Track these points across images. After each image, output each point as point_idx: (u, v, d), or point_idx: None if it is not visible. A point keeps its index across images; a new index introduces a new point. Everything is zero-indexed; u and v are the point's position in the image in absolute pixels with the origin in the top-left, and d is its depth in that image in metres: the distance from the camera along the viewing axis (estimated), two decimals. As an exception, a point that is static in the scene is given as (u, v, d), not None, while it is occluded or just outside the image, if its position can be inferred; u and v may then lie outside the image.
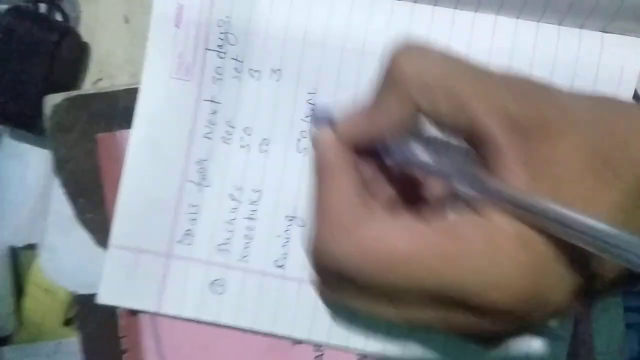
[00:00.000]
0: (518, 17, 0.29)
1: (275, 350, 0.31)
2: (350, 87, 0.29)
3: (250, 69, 0.30)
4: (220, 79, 0.30)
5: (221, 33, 0.30)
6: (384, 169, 0.21)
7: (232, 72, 0.30)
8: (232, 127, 0.30)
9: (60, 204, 0.31)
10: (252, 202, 0.30)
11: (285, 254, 0.30)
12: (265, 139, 0.30)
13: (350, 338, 0.30)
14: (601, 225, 0.15)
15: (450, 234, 0.17)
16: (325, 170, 0.20)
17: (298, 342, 0.31)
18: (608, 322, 0.29)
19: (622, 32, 0.28)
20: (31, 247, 0.37)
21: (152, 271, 0.30)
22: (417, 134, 0.20)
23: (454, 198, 0.19)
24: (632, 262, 0.15)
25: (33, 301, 0.38)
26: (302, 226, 0.30)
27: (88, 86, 0.36)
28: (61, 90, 0.33)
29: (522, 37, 0.28)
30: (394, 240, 0.17)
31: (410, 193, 0.22)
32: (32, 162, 0.37)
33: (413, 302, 0.17)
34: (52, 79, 0.33)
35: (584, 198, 0.16)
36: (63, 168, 0.32)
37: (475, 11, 0.29)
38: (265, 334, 0.30)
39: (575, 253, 0.16)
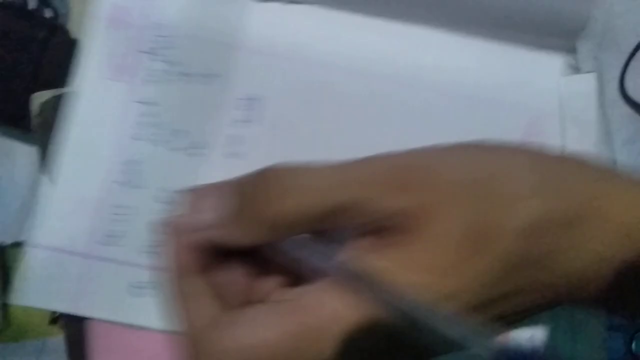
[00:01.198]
0: (447, 31, 0.29)
1: None
2: (282, 93, 0.29)
3: (181, 72, 0.30)
4: (152, 81, 0.30)
5: (154, 36, 0.30)
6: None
7: (163, 74, 0.30)
8: (162, 129, 0.30)
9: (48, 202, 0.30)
10: (179, 206, 0.30)
11: (211, 259, 0.30)
12: (195, 142, 0.30)
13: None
14: (425, 313, 0.16)
15: (296, 309, 0.17)
16: (175, 284, 0.20)
17: None
18: (588, 335, 0.29)
19: (545, 48, 0.28)
20: (19, 244, 0.37)
21: (70, 272, 0.29)
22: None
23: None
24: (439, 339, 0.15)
25: (19, 299, 0.38)
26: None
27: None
28: (50, 87, 0.33)
29: (449, 52, 0.29)
30: (249, 340, 0.17)
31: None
32: (20, 159, 0.36)
33: None
34: (41, 76, 0.33)
35: (449, 268, 0.17)
36: (50, 165, 0.31)
37: (405, 22, 0.29)
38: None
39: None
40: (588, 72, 0.29)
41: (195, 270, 0.19)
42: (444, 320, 0.16)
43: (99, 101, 0.30)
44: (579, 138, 0.29)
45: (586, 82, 0.28)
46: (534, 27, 0.27)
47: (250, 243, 0.19)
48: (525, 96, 0.28)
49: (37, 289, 0.29)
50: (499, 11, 0.27)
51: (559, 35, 0.27)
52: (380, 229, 0.17)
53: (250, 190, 0.19)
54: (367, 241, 0.18)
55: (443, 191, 0.18)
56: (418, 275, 0.17)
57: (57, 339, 0.36)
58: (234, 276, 0.20)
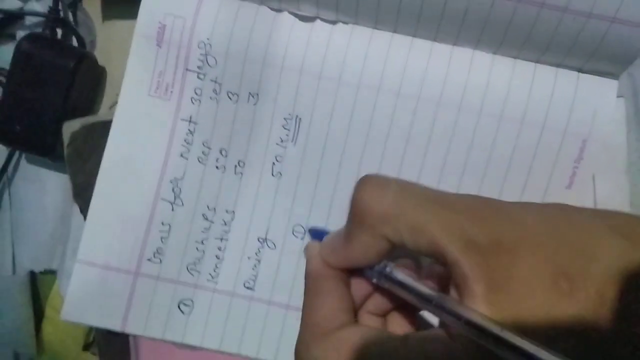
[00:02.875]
0: (495, 53, 0.29)
1: None
2: (325, 114, 0.30)
3: (229, 92, 0.30)
4: (199, 99, 0.30)
5: (201, 54, 0.30)
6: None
7: (210, 93, 0.30)
8: (208, 147, 0.30)
9: (79, 231, 0.31)
10: (225, 223, 0.30)
11: (255, 275, 0.30)
12: (240, 160, 0.30)
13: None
14: (543, 354, 0.16)
15: (422, 354, 0.18)
16: (311, 281, 0.22)
17: None
18: None
19: (599, 73, 0.29)
20: (50, 272, 0.38)
21: (118, 289, 0.30)
22: (394, 258, 0.21)
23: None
24: None
25: (52, 326, 0.38)
26: (273, 249, 0.30)
27: (105, 110, 0.36)
28: (78, 114, 0.33)
29: (498, 73, 0.29)
30: (368, 354, 0.18)
31: (406, 304, 0.23)
32: (50, 187, 0.37)
33: None
34: (70, 104, 0.34)
35: (542, 312, 0.17)
36: (81, 194, 0.32)
37: (454, 44, 0.29)
38: (232, 356, 0.30)
39: None
40: (623, 89, 0.29)
41: (328, 276, 0.22)
42: None
43: (144, 119, 0.30)
44: (608, 164, 0.29)
45: (616, 107, 0.29)
46: (587, 54, 0.27)
47: (361, 255, 0.20)
48: (577, 120, 0.28)
49: (85, 306, 0.30)
50: (548, 34, 0.27)
51: (613, 62, 0.27)
52: (463, 276, 0.18)
53: (353, 198, 0.21)
54: (465, 289, 0.18)
55: (522, 230, 0.18)
56: (516, 319, 0.17)
57: None
58: (354, 290, 0.22)
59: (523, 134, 0.28)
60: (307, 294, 0.22)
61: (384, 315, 0.23)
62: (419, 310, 0.23)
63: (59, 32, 0.36)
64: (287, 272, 0.30)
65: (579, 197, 0.29)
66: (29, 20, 0.37)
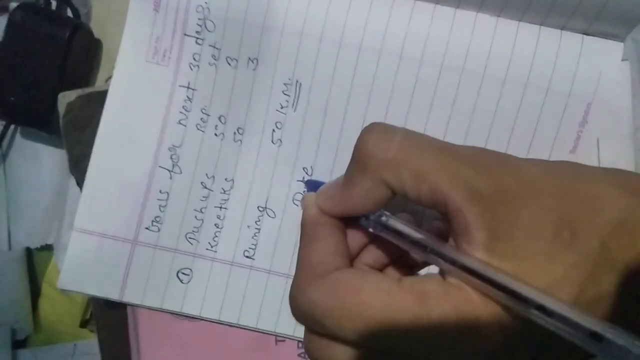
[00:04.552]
0: (499, 16, 0.28)
1: (258, 348, 0.30)
2: (326, 79, 0.29)
3: (228, 57, 0.29)
4: (197, 65, 0.30)
5: (199, 19, 0.29)
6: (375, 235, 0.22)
7: (209, 59, 0.30)
8: (207, 114, 0.30)
9: (76, 204, 0.30)
10: (224, 191, 0.30)
11: (255, 244, 0.30)
12: (239, 127, 0.30)
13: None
14: (545, 300, 0.16)
15: (417, 295, 0.18)
16: (307, 228, 0.22)
17: (281, 339, 0.30)
18: None
19: (603, 35, 0.28)
20: (47, 248, 0.37)
21: (116, 257, 0.29)
22: (391, 207, 0.21)
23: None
24: (575, 340, 0.15)
25: (49, 303, 0.38)
26: (273, 217, 0.30)
27: (101, 82, 0.36)
28: (74, 87, 0.33)
29: (501, 36, 0.28)
30: (364, 293, 0.18)
31: (401, 256, 0.23)
32: (46, 162, 0.36)
33: (379, 355, 0.19)
34: (65, 75, 0.33)
35: (542, 260, 0.17)
36: (78, 166, 0.31)
37: (457, 7, 0.28)
38: (232, 326, 0.30)
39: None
40: (628, 53, 0.28)
41: (324, 223, 0.21)
42: (570, 312, 0.15)
43: (142, 86, 0.30)
44: (612, 128, 0.29)
45: (620, 71, 0.28)
46: (591, 15, 0.27)
47: (361, 201, 0.20)
48: (582, 83, 0.28)
49: (82, 275, 0.29)
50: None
51: (617, 24, 0.27)
52: (465, 224, 0.18)
53: (358, 143, 0.20)
54: (467, 236, 0.18)
55: (526, 180, 0.18)
56: (516, 267, 0.17)
57: (88, 342, 0.36)
58: (350, 241, 0.22)
59: (527, 97, 0.28)
60: (302, 240, 0.22)
61: (380, 269, 0.23)
62: (416, 265, 0.23)
63: (54, 3, 0.35)
64: (287, 241, 0.30)
65: (583, 162, 0.28)
66: (23, -10, 0.36)
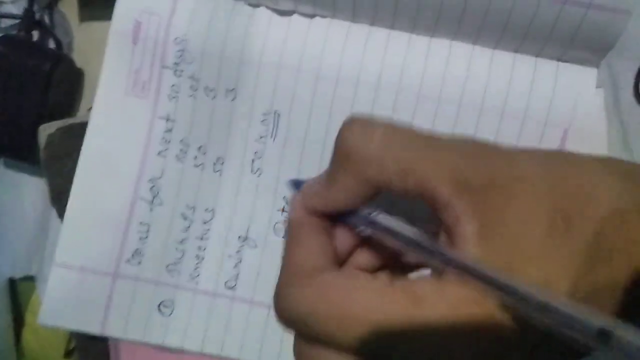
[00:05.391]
0: (474, 44, 0.29)
1: None
2: (305, 108, 0.29)
3: (206, 88, 0.30)
4: (176, 97, 0.30)
5: (178, 51, 0.29)
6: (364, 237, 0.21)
7: (187, 90, 0.30)
8: (187, 145, 0.30)
9: (58, 236, 0.30)
10: (205, 222, 0.30)
11: (237, 274, 0.30)
12: (219, 157, 0.30)
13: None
14: (544, 297, 0.15)
15: (410, 295, 0.17)
16: (292, 229, 0.21)
17: None
18: None
19: (578, 61, 0.28)
20: (30, 279, 0.37)
21: (97, 291, 0.29)
22: (377, 202, 0.20)
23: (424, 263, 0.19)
24: (572, 335, 0.14)
25: (33, 333, 0.37)
26: (254, 247, 0.30)
27: (83, 112, 0.36)
28: (57, 117, 0.33)
29: (477, 64, 0.28)
30: (353, 295, 0.17)
31: (393, 259, 0.22)
32: (28, 192, 0.36)
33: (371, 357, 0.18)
34: (47, 107, 0.33)
35: (536, 251, 0.16)
36: (59, 198, 0.31)
37: (431, 37, 0.29)
38: (214, 357, 0.30)
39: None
40: (602, 79, 0.29)
41: (310, 224, 0.20)
42: (568, 308, 0.14)
43: (121, 118, 0.30)
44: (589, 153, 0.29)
45: (595, 97, 0.29)
46: (565, 42, 0.27)
47: (344, 198, 0.19)
48: (558, 110, 0.28)
49: (63, 310, 0.29)
50: (525, 22, 0.27)
51: (591, 50, 0.27)
52: (455, 218, 0.17)
53: (338, 139, 0.19)
54: (459, 228, 0.17)
55: (517, 169, 0.17)
56: (510, 261, 0.16)
57: None
58: (338, 244, 0.21)
59: (504, 124, 0.28)
60: (287, 242, 0.20)
61: (373, 272, 0.21)
62: (409, 268, 0.22)
63: (35, 34, 0.35)
64: (269, 270, 0.30)
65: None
66: (4, 22, 0.36)
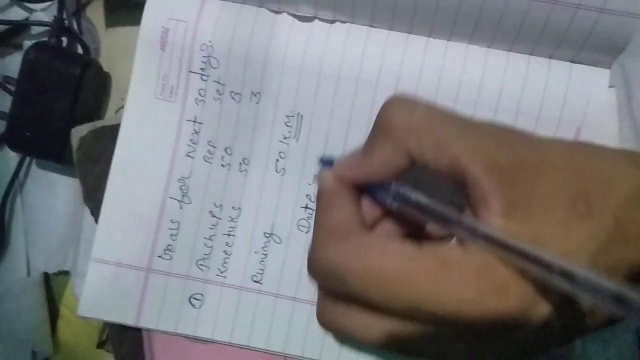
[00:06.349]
0: (489, 47, 0.30)
1: None
2: (326, 110, 0.30)
3: (232, 92, 0.31)
4: (203, 100, 0.31)
5: (204, 57, 0.31)
6: (388, 209, 0.22)
7: (214, 94, 0.31)
8: (214, 146, 0.31)
9: (91, 232, 0.32)
10: (232, 219, 0.31)
11: (262, 269, 0.31)
12: (245, 158, 0.31)
13: (323, 353, 0.31)
14: (568, 265, 0.16)
15: (438, 258, 0.18)
16: (324, 198, 0.22)
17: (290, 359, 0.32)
18: (619, 347, 0.30)
19: (591, 63, 0.29)
20: (63, 273, 0.39)
21: (131, 285, 0.31)
22: (408, 176, 0.21)
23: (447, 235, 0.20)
24: (593, 300, 0.16)
25: (67, 325, 0.39)
26: (279, 243, 0.31)
27: (111, 115, 0.37)
28: (85, 120, 0.35)
29: (492, 66, 0.29)
30: (386, 255, 0.18)
31: (414, 231, 0.23)
32: (61, 191, 0.38)
33: (398, 315, 0.19)
34: (77, 110, 0.35)
35: (558, 230, 0.18)
36: (92, 197, 0.33)
37: (448, 40, 0.30)
38: (242, 348, 0.31)
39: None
40: (615, 78, 0.30)
41: (342, 192, 0.22)
42: (593, 277, 0.15)
43: (151, 121, 0.31)
44: None
45: (608, 96, 0.29)
46: (578, 44, 0.28)
47: (380, 168, 0.20)
48: (571, 109, 0.29)
49: (100, 303, 0.31)
50: (539, 26, 0.28)
51: (604, 52, 0.28)
52: (483, 194, 0.18)
53: (381, 112, 0.21)
54: (485, 205, 0.18)
55: (544, 155, 0.19)
56: (532, 237, 0.17)
57: None
58: (367, 210, 0.22)
59: (519, 123, 0.29)
60: (319, 208, 0.22)
61: None
62: (430, 239, 0.23)
63: (64, 40, 0.37)
64: (293, 265, 0.31)
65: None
66: (35, 30, 0.38)
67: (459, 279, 0.17)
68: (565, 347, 0.29)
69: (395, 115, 0.20)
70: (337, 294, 0.19)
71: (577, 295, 0.16)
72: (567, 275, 0.16)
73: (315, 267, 0.20)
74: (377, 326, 0.19)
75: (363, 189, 0.22)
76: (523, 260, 0.17)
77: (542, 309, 0.18)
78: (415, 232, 0.23)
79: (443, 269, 0.18)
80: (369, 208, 0.22)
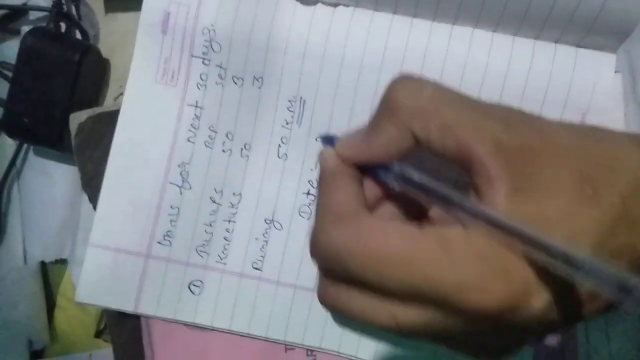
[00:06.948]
0: (495, 31, 0.29)
1: (268, 356, 0.31)
2: (329, 94, 0.30)
3: (234, 76, 0.31)
4: (204, 85, 0.31)
5: (206, 41, 0.30)
6: (390, 191, 0.22)
7: (215, 78, 0.31)
8: (215, 131, 0.31)
9: (89, 220, 0.31)
10: (232, 205, 0.31)
11: (263, 256, 0.31)
12: (246, 143, 0.31)
13: (324, 340, 0.30)
14: (570, 250, 0.16)
15: (440, 240, 0.18)
16: (326, 177, 0.22)
17: (291, 347, 0.31)
18: (622, 332, 0.30)
19: (596, 47, 0.29)
20: (61, 261, 0.38)
21: (130, 271, 0.30)
22: (412, 158, 0.21)
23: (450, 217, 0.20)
24: (599, 286, 0.15)
25: (64, 314, 0.39)
26: (280, 229, 0.31)
27: (109, 102, 0.37)
28: (84, 106, 0.34)
29: (497, 50, 0.29)
30: (388, 236, 0.18)
31: (415, 213, 0.23)
32: (58, 178, 0.37)
33: (398, 298, 0.18)
34: (75, 96, 0.34)
35: (563, 212, 0.17)
36: (90, 183, 0.33)
37: (453, 24, 0.29)
38: (242, 336, 0.31)
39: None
40: (620, 64, 0.29)
41: (345, 172, 0.21)
42: (595, 263, 0.15)
43: (152, 106, 0.31)
44: None
45: (613, 81, 0.29)
46: (584, 29, 0.28)
47: (384, 148, 0.20)
48: (577, 94, 0.29)
49: (98, 289, 0.30)
50: (545, 9, 0.27)
51: (610, 36, 0.28)
52: (488, 177, 0.18)
53: (387, 91, 0.20)
54: (489, 188, 0.18)
55: (551, 138, 0.18)
56: (537, 220, 0.17)
57: (103, 352, 0.37)
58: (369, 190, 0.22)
59: (524, 107, 0.29)
60: (321, 188, 0.21)
61: None
62: (431, 222, 0.23)
63: (63, 26, 0.36)
64: (294, 252, 0.31)
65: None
66: (33, 15, 0.37)
67: (460, 262, 0.17)
68: (566, 332, 0.29)
69: (402, 95, 0.20)
70: (338, 275, 0.19)
71: (579, 280, 0.16)
72: (570, 260, 0.16)
73: (317, 248, 0.20)
74: (379, 308, 0.19)
75: (365, 169, 0.22)
76: (526, 244, 0.17)
77: (543, 294, 0.18)
78: (417, 216, 0.23)
79: (444, 251, 0.17)
80: (371, 189, 0.22)
